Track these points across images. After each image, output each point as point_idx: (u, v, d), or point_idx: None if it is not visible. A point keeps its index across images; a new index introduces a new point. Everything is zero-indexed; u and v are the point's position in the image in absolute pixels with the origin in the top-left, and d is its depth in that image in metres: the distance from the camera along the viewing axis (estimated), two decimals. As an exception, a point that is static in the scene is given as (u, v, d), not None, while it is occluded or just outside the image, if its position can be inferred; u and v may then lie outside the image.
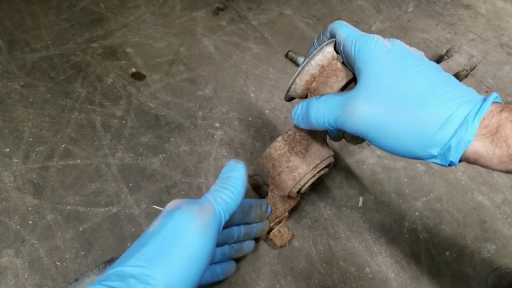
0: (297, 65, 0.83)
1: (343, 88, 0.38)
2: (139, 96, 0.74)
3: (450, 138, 0.28)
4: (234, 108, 0.74)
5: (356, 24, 0.96)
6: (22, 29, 0.85)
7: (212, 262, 0.43)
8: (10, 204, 0.57)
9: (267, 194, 0.51)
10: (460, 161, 0.29)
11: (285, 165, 0.43)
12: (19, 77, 0.75)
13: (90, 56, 0.80)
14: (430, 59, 0.33)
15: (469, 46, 0.93)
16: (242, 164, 0.40)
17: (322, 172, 0.44)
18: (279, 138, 0.44)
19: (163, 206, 0.59)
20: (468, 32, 0.98)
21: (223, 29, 0.91)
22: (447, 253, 0.58)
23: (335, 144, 0.70)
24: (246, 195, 0.55)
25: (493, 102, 0.28)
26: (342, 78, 0.37)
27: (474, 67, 0.79)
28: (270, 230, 0.54)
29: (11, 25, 0.85)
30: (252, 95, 0.77)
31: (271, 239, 0.55)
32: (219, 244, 0.45)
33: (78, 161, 0.63)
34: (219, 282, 0.50)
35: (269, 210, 0.50)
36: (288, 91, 0.39)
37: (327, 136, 0.46)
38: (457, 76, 0.78)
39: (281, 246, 0.54)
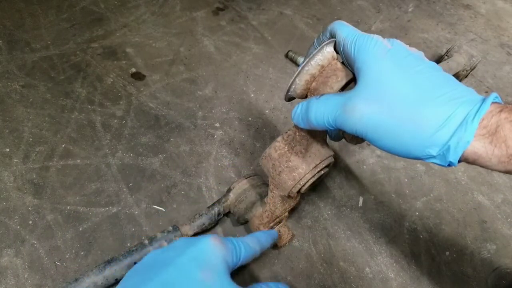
0: (297, 65, 0.83)
1: (343, 88, 0.38)
2: (139, 96, 0.74)
3: (449, 138, 0.28)
4: (234, 108, 0.74)
5: (356, 24, 0.97)
6: (22, 29, 0.85)
7: None
8: (10, 204, 0.57)
9: (267, 194, 0.51)
10: (459, 161, 0.29)
11: (285, 165, 0.43)
12: (19, 77, 0.75)
13: (90, 56, 0.81)
14: (430, 59, 0.33)
15: (469, 46, 0.93)
16: None
17: (322, 172, 0.44)
18: (279, 138, 0.44)
19: (163, 206, 0.59)
20: (468, 32, 0.98)
21: (223, 29, 0.91)
22: (447, 253, 0.58)
23: (335, 144, 0.70)
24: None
25: (493, 102, 0.28)
26: (342, 78, 0.37)
27: (474, 67, 0.79)
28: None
29: (11, 25, 0.85)
30: (252, 95, 0.77)
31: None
32: None
33: (78, 161, 0.63)
34: None
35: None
36: (288, 91, 0.39)
37: (327, 136, 0.46)
38: (457, 76, 0.78)
39: (281, 246, 0.54)
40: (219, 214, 0.55)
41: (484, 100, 0.28)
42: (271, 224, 0.53)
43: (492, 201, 0.64)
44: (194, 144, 0.68)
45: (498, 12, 1.05)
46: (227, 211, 0.56)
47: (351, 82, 0.38)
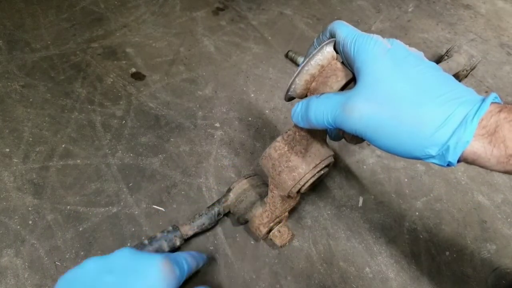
0: (297, 65, 0.83)
1: (343, 88, 0.38)
2: (139, 96, 0.74)
3: (448, 138, 0.28)
4: (234, 108, 0.74)
5: (356, 24, 0.97)
6: (22, 29, 0.85)
7: None
8: (10, 204, 0.57)
9: (267, 194, 0.51)
10: (458, 161, 0.29)
11: (285, 165, 0.43)
12: (19, 77, 0.75)
13: (90, 56, 0.81)
14: (430, 59, 0.33)
15: (469, 46, 0.93)
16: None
17: (322, 172, 0.44)
18: (279, 138, 0.44)
19: (163, 206, 0.59)
20: (468, 32, 0.98)
21: (223, 29, 0.91)
22: (447, 253, 0.58)
23: (335, 144, 0.70)
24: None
25: (492, 103, 0.28)
26: (341, 78, 0.37)
27: (474, 67, 0.79)
28: (270, 230, 0.54)
29: (11, 25, 0.85)
30: (252, 95, 0.77)
31: (271, 239, 0.55)
32: None
33: (78, 161, 0.63)
34: None
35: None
36: (288, 91, 0.39)
37: (327, 136, 0.46)
38: (457, 76, 0.78)
39: (281, 246, 0.54)
40: (219, 214, 0.55)
41: (483, 100, 0.28)
42: (271, 224, 0.53)
43: (492, 201, 0.64)
44: (194, 144, 0.68)
45: (498, 12, 1.05)
46: (227, 211, 0.56)
47: (351, 82, 0.38)
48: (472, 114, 0.27)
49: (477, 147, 0.28)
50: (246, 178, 0.56)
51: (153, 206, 0.59)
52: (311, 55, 0.37)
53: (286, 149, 0.43)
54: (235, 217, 0.56)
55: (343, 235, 0.59)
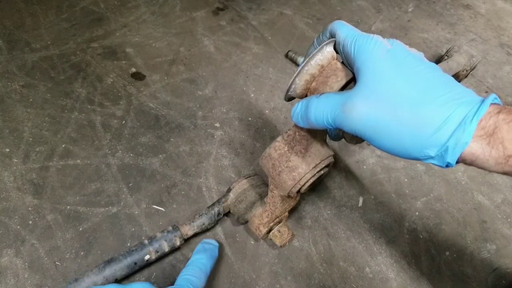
0: (297, 65, 0.83)
1: (343, 88, 0.38)
2: (139, 96, 0.74)
3: (447, 139, 0.28)
4: (234, 108, 0.74)
5: (356, 24, 0.97)
6: (22, 29, 0.85)
7: None
8: (10, 204, 0.57)
9: (267, 194, 0.51)
10: (457, 162, 0.29)
11: (285, 165, 0.43)
12: (19, 77, 0.75)
13: (90, 56, 0.81)
14: (430, 59, 0.33)
15: (469, 46, 0.93)
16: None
17: (322, 172, 0.44)
18: (279, 138, 0.44)
19: (163, 206, 0.59)
20: (468, 32, 0.98)
21: (223, 29, 0.91)
22: (447, 253, 0.58)
23: (335, 144, 0.70)
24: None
25: (491, 104, 0.28)
26: (341, 77, 0.37)
27: (474, 67, 0.79)
28: (270, 230, 0.54)
29: (11, 25, 0.85)
30: (252, 95, 0.77)
31: (271, 239, 0.55)
32: None
33: (78, 161, 0.63)
34: None
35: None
36: (288, 90, 0.39)
37: (327, 136, 0.46)
38: (457, 76, 0.78)
39: (281, 246, 0.54)
40: (219, 214, 0.55)
41: (482, 101, 0.28)
42: (271, 224, 0.53)
43: (492, 201, 0.64)
44: (194, 144, 0.68)
45: (498, 12, 1.05)
46: (227, 211, 0.56)
47: (351, 82, 0.38)
48: (471, 115, 0.27)
49: (476, 148, 0.28)
50: (246, 178, 0.56)
51: (153, 206, 0.59)
52: (311, 55, 0.37)
53: (286, 149, 0.43)
54: (235, 217, 0.56)
55: (343, 235, 0.59)
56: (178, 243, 0.52)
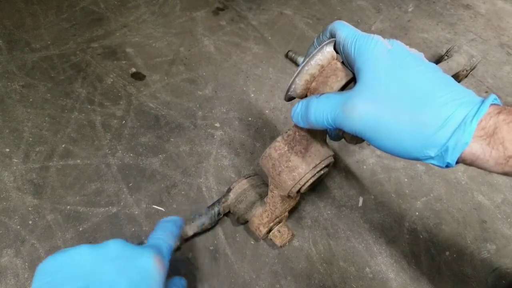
0: (297, 65, 0.83)
1: (343, 88, 0.38)
2: (139, 96, 0.74)
3: (447, 139, 0.28)
4: (234, 108, 0.74)
5: (356, 24, 0.97)
6: (22, 29, 0.85)
7: None
8: (10, 204, 0.57)
9: (267, 194, 0.51)
10: (457, 162, 0.29)
11: (285, 165, 0.43)
12: (19, 77, 0.75)
13: (90, 56, 0.81)
14: (430, 59, 0.33)
15: (469, 46, 0.93)
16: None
17: (322, 172, 0.44)
18: (279, 138, 0.44)
19: (163, 206, 0.59)
20: (468, 32, 0.98)
21: (223, 29, 0.91)
22: (447, 253, 0.58)
23: (335, 144, 0.70)
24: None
25: (491, 104, 0.28)
26: (341, 77, 0.37)
27: (474, 67, 0.79)
28: (270, 230, 0.54)
29: (11, 25, 0.85)
30: (252, 95, 0.77)
31: (271, 239, 0.55)
32: None
33: (78, 161, 0.63)
34: None
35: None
36: (288, 90, 0.39)
37: (327, 136, 0.46)
38: (457, 76, 0.78)
39: (281, 246, 0.54)
40: (219, 214, 0.55)
41: (482, 101, 0.28)
42: (271, 224, 0.53)
43: (492, 201, 0.64)
44: (194, 144, 0.68)
45: (498, 12, 1.05)
46: (227, 211, 0.56)
47: (351, 82, 0.38)
48: (471, 116, 0.27)
49: (476, 148, 0.28)
50: (246, 178, 0.56)
51: (153, 206, 0.59)
52: (311, 55, 0.37)
53: (286, 149, 0.43)
54: (235, 217, 0.56)
55: (343, 235, 0.59)
56: (178, 243, 0.52)
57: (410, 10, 1.04)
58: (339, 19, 0.38)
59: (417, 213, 0.62)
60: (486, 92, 0.83)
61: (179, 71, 0.80)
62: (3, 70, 0.76)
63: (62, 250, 0.35)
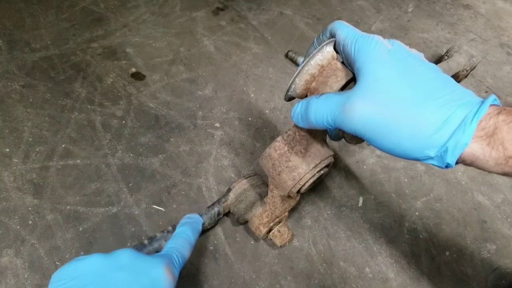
0: (297, 65, 0.83)
1: (343, 88, 0.38)
2: (139, 96, 0.74)
3: (447, 140, 0.28)
4: (234, 108, 0.74)
5: (356, 24, 0.97)
6: (22, 29, 0.85)
7: None
8: (10, 204, 0.57)
9: (267, 194, 0.51)
10: (456, 163, 0.29)
11: (285, 165, 0.43)
12: (19, 77, 0.75)
13: (90, 56, 0.81)
14: (430, 59, 0.33)
15: (469, 46, 0.93)
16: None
17: (322, 172, 0.44)
18: (279, 138, 0.44)
19: (163, 206, 0.59)
20: (468, 32, 0.98)
21: (223, 29, 0.91)
22: (447, 253, 0.58)
23: (335, 144, 0.70)
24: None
25: (491, 105, 0.28)
26: (341, 78, 0.37)
27: (474, 67, 0.79)
28: (270, 230, 0.54)
29: (11, 25, 0.85)
30: (252, 95, 0.77)
31: (271, 239, 0.55)
32: None
33: (78, 161, 0.63)
34: None
35: None
36: (287, 90, 0.39)
37: (327, 136, 0.46)
38: (457, 76, 0.78)
39: (281, 246, 0.54)
40: (219, 214, 0.55)
41: (482, 102, 0.28)
42: (271, 224, 0.53)
43: (492, 201, 0.64)
44: (194, 144, 0.68)
45: (498, 12, 1.05)
46: (227, 211, 0.56)
47: (351, 82, 0.38)
48: (471, 116, 0.27)
49: (476, 149, 0.28)
50: (246, 178, 0.56)
51: (153, 206, 0.59)
52: (311, 55, 0.37)
53: (286, 149, 0.43)
54: (235, 217, 0.56)
55: (343, 235, 0.59)
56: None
57: (410, 10, 1.04)
58: (339, 19, 0.38)
59: (417, 213, 0.62)
60: (486, 92, 0.83)
61: (179, 71, 0.80)
62: (3, 70, 0.76)
63: (77, 258, 0.37)
